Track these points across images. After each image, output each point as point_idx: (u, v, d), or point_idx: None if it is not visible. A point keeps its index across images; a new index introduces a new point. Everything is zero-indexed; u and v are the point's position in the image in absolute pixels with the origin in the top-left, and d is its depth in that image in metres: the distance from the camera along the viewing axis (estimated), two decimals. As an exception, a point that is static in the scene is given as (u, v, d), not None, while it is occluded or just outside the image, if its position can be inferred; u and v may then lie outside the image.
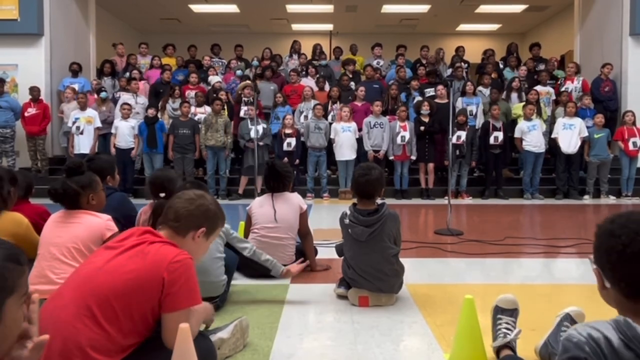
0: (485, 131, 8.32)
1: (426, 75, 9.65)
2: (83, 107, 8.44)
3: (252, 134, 7.91)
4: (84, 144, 8.31)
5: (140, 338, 1.68)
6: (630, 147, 8.35)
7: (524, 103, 8.84)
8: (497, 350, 2.09)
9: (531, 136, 8.27)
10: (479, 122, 8.72)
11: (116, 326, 1.60)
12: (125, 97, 8.89)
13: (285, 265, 3.49)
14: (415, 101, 8.84)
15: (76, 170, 2.82)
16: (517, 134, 8.40)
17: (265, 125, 8.10)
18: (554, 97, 9.29)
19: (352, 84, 9.48)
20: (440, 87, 8.70)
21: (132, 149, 8.41)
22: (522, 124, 8.38)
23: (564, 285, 3.43)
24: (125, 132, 8.31)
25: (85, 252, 2.59)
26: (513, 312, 2.16)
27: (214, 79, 9.49)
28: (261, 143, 7.73)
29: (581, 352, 1.08)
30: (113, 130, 8.38)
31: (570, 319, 2.12)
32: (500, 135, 8.22)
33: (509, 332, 2.10)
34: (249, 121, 8.11)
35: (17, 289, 1.08)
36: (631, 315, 1.12)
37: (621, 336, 1.07)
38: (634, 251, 1.10)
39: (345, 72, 9.69)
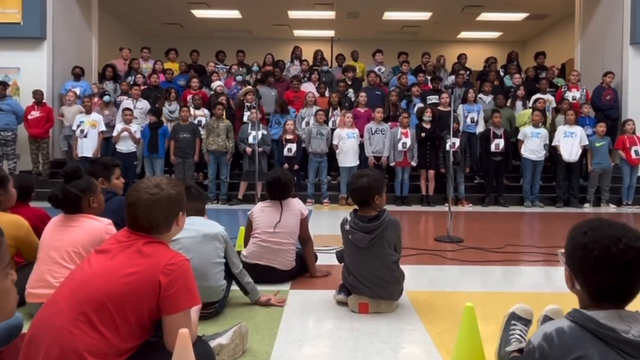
0: (486, 138, 8.32)
1: (431, 81, 9.68)
2: (88, 111, 8.46)
3: (251, 140, 7.94)
4: (87, 148, 8.32)
5: (138, 341, 1.67)
6: (633, 155, 8.35)
7: (527, 111, 8.86)
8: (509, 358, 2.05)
9: (532, 142, 8.27)
10: (480, 129, 8.72)
11: (113, 330, 1.59)
12: (126, 102, 8.91)
13: (285, 271, 3.51)
14: (416, 108, 8.88)
15: (73, 175, 2.82)
16: (520, 136, 8.43)
17: (265, 132, 8.11)
18: (553, 105, 9.31)
19: (351, 91, 9.51)
20: (444, 95, 8.72)
21: (134, 152, 8.40)
22: (526, 129, 8.39)
23: (565, 293, 3.40)
24: (127, 136, 8.32)
25: (85, 256, 2.59)
26: (527, 323, 2.14)
27: (216, 83, 9.53)
28: (260, 149, 7.75)
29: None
30: (115, 133, 8.37)
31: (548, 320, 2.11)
32: (501, 142, 8.22)
33: (522, 340, 2.07)
34: (249, 126, 8.12)
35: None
36: (588, 308, 1.30)
37: (573, 320, 1.28)
38: (605, 265, 1.23)
39: (345, 79, 9.71)
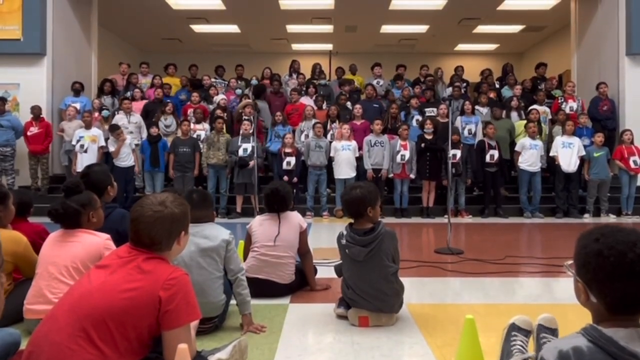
0: (480, 150, 8.34)
1: (423, 93, 9.74)
2: (88, 126, 8.49)
3: (241, 152, 7.98)
4: (87, 163, 8.30)
5: (137, 357, 1.67)
6: (632, 165, 8.37)
7: (523, 121, 8.90)
8: None
9: (529, 154, 8.29)
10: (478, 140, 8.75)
11: (112, 346, 1.59)
12: (117, 117, 8.90)
13: (284, 285, 3.49)
14: (414, 119, 8.92)
15: (74, 190, 2.82)
16: (517, 148, 8.44)
17: (254, 144, 8.07)
18: (550, 117, 9.35)
19: (349, 104, 9.56)
20: (442, 106, 8.76)
21: (133, 166, 8.40)
22: (524, 140, 8.40)
23: (566, 304, 3.40)
24: (124, 151, 8.33)
25: (84, 271, 2.58)
26: (527, 334, 2.14)
27: (219, 97, 9.57)
28: (252, 163, 7.79)
29: None
30: (111, 149, 8.36)
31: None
32: (495, 153, 8.24)
33: (524, 351, 2.06)
34: (239, 138, 8.16)
35: None
36: (604, 323, 1.22)
37: (590, 339, 1.19)
38: (623, 272, 1.16)
39: (342, 92, 9.78)
